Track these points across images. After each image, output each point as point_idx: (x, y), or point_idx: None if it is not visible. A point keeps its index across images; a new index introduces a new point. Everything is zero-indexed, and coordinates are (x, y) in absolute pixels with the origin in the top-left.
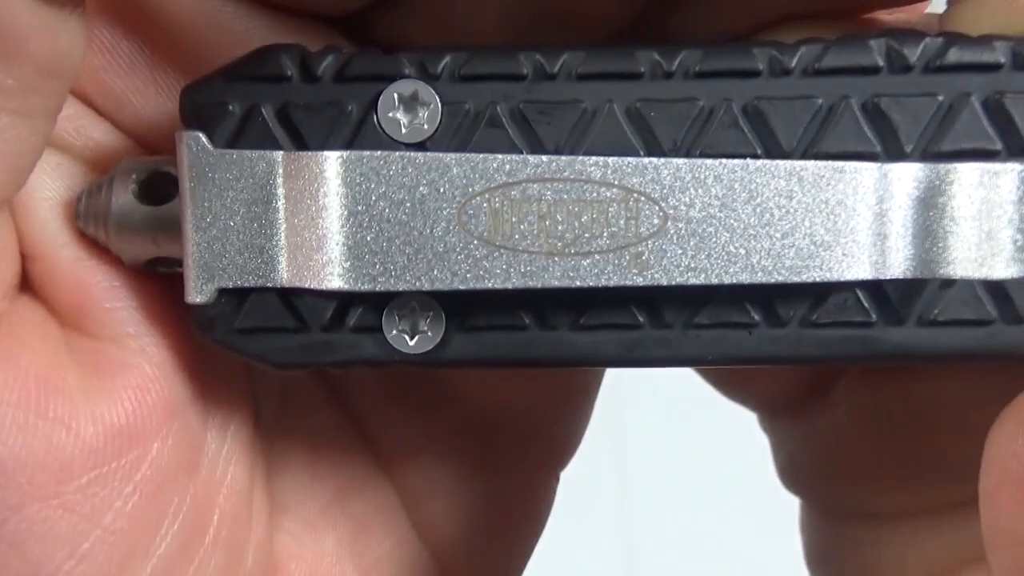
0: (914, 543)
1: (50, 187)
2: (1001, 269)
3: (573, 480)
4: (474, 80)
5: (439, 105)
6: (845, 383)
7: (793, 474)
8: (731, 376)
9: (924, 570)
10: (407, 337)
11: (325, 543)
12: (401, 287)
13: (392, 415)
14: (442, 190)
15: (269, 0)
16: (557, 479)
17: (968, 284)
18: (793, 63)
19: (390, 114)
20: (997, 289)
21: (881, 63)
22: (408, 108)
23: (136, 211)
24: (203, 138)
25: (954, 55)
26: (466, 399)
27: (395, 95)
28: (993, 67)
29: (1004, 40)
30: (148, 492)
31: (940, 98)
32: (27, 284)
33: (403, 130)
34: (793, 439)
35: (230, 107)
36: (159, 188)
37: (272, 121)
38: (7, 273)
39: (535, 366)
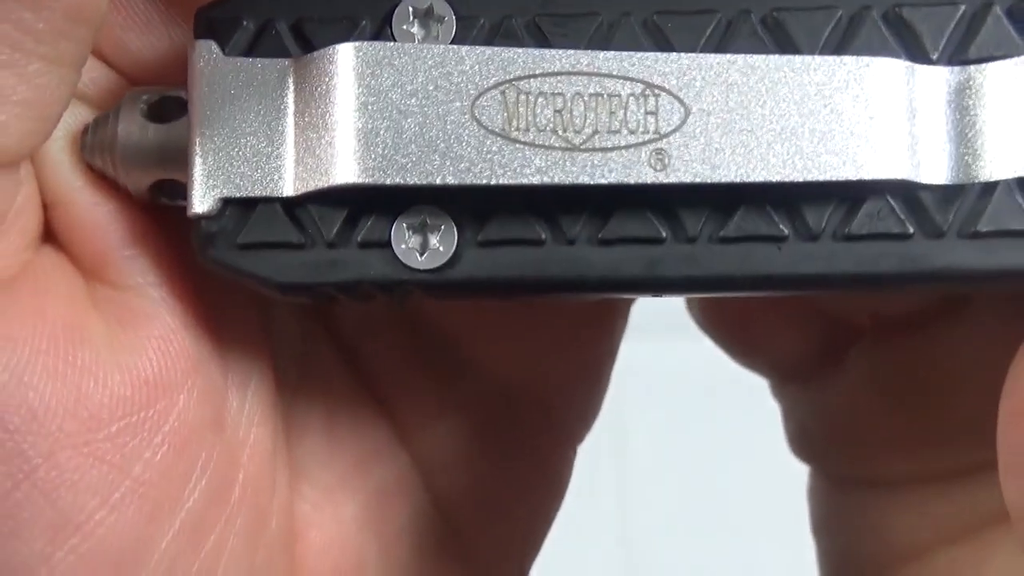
0: (924, 509)
1: (62, 131)
2: None
3: (572, 481)
4: None
5: (453, 19)
6: (856, 349)
7: (803, 441)
8: (743, 340)
9: (933, 536)
10: (417, 252)
11: (345, 512)
12: (411, 180)
13: (410, 384)
14: (456, 82)
15: None
16: (575, 453)
17: (1009, 192)
18: None
19: (404, 27)
20: None
21: None
22: (422, 22)
23: (144, 130)
24: (215, 46)
25: None
26: (484, 370)
27: (410, 8)
28: None
29: None
30: (176, 444)
31: (963, 7)
32: (49, 234)
33: (417, 42)
34: (804, 405)
35: (244, 22)
36: (168, 110)
37: (286, 34)
38: (32, 222)
39: (552, 290)
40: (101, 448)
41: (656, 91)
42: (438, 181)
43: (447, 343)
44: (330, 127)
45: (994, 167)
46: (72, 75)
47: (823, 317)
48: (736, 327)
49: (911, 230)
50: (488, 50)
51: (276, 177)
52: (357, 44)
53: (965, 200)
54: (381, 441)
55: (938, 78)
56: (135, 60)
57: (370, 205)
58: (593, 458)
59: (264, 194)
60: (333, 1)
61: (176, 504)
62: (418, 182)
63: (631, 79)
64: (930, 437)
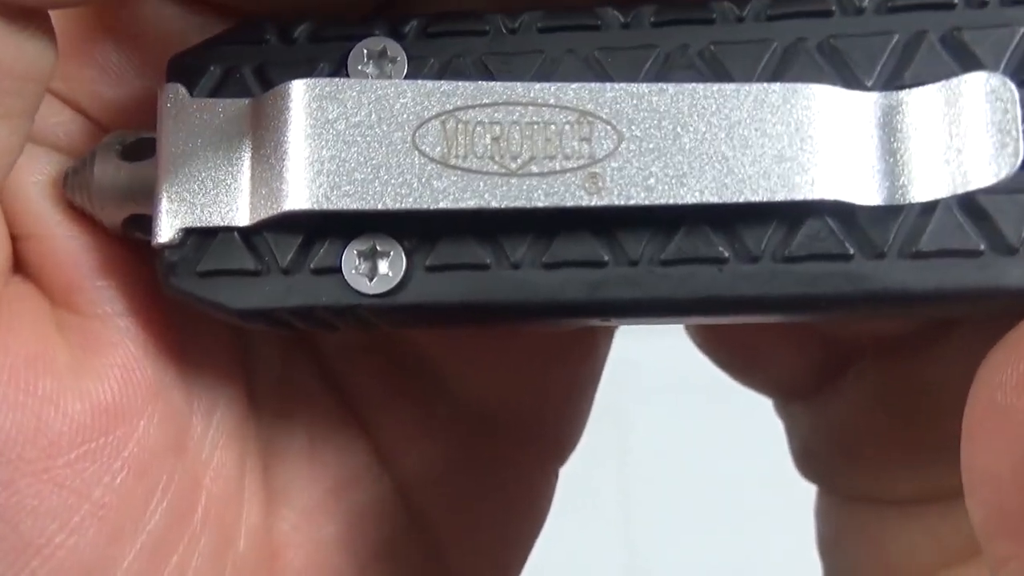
0: (928, 528)
1: (42, 172)
2: (975, 180)
3: (574, 480)
4: (439, 37)
5: (405, 59)
6: (855, 368)
7: (807, 459)
8: (743, 360)
9: (935, 555)
10: (366, 278)
11: (324, 532)
12: (355, 206)
13: (391, 407)
14: (398, 113)
15: (246, 9)
16: (556, 474)
17: (949, 211)
18: (747, 10)
19: (359, 67)
20: (979, 213)
21: (834, 7)
22: (376, 63)
23: (118, 169)
24: (181, 88)
25: None
26: (465, 393)
27: (364, 51)
28: (947, 6)
29: None
30: (136, 468)
31: (896, 36)
32: (19, 264)
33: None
34: (806, 424)
35: (211, 68)
36: (141, 150)
37: (249, 77)
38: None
39: (498, 313)
40: (61, 474)
41: (590, 119)
42: (381, 207)
43: (428, 367)
44: (281, 158)
45: (931, 187)
46: (24, 124)
47: (822, 337)
48: (735, 347)
49: (851, 251)
50: (428, 83)
51: (234, 207)
52: (307, 80)
53: (905, 220)
54: (362, 463)
55: (869, 102)
56: (110, 108)
57: (323, 232)
58: (594, 458)
59: (223, 224)
60: (293, 46)
61: (137, 525)
62: (362, 208)
63: (566, 108)
64: (930, 456)
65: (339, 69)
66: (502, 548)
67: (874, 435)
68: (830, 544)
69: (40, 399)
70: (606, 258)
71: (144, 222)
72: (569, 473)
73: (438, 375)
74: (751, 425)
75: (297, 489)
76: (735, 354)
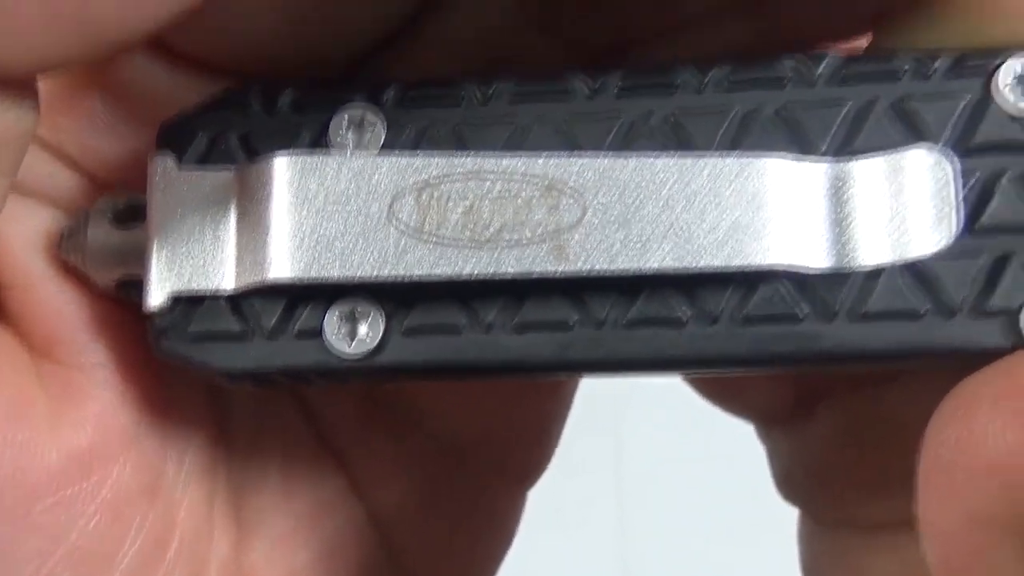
0: (898, 555)
1: (30, 226)
2: (916, 249)
3: (574, 481)
4: (416, 106)
5: (384, 127)
6: (827, 400)
7: (788, 484)
8: (723, 388)
9: None
10: (346, 341)
11: (296, 560)
12: (335, 275)
13: (365, 438)
14: (374, 186)
15: (232, 69)
16: (525, 497)
17: (894, 274)
18: (707, 80)
19: (339, 135)
20: (922, 277)
21: (788, 77)
22: (356, 130)
23: (110, 234)
24: (170, 159)
25: (856, 68)
26: (438, 425)
27: (345, 119)
28: (895, 76)
29: (905, 54)
30: (111, 512)
31: (847, 105)
32: (1, 313)
33: (350, 149)
34: (786, 449)
35: (199, 135)
36: (133, 214)
37: (234, 145)
38: None
39: (471, 372)
40: (37, 520)
41: (556, 190)
42: (358, 276)
43: (402, 399)
44: (265, 228)
45: (876, 254)
46: (2, 182)
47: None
48: (716, 377)
49: (803, 313)
50: (403, 158)
51: (220, 274)
52: (288, 155)
53: (853, 284)
54: (336, 492)
55: (819, 172)
56: (102, 162)
57: (305, 297)
58: (593, 460)
59: (210, 290)
60: (277, 115)
61: (111, 564)
62: (341, 277)
63: (533, 180)
64: (900, 485)
65: (321, 137)
66: (471, 570)
67: (846, 464)
68: (810, 568)
69: (19, 447)
70: (573, 320)
71: (136, 284)
72: (565, 481)
73: (412, 409)
74: (747, 434)
75: (270, 518)
76: (715, 383)
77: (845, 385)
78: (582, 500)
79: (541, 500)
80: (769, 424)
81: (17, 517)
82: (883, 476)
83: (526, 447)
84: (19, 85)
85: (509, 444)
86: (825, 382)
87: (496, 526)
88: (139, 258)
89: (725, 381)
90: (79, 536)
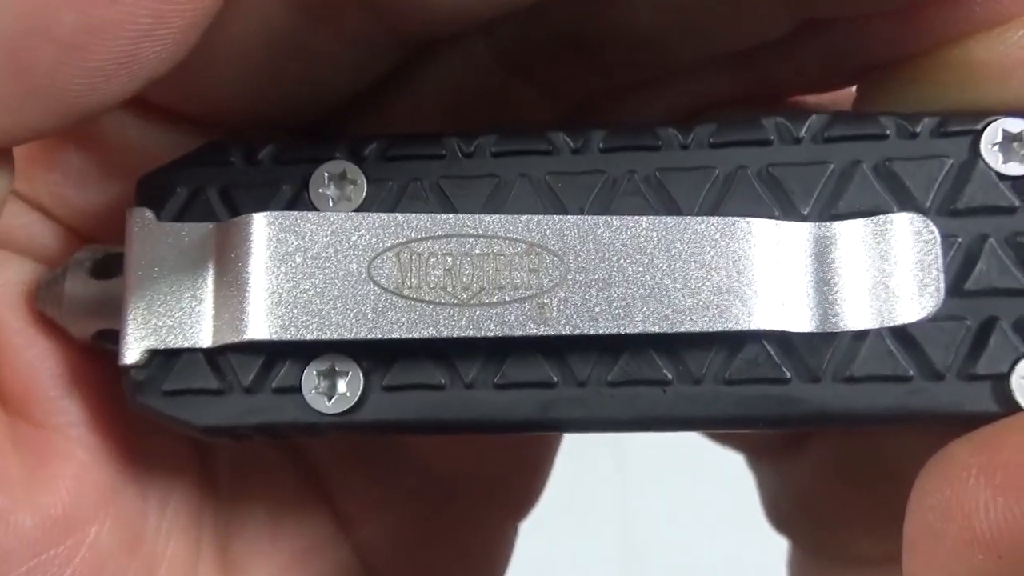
0: None
1: (3, 277)
2: (901, 315)
3: (574, 481)
4: (397, 160)
5: (365, 182)
6: (818, 436)
7: (777, 515)
8: None
9: None
10: (325, 398)
11: None
12: (314, 335)
13: (353, 478)
14: (354, 245)
15: (208, 121)
16: (516, 530)
17: (879, 338)
18: (691, 138)
19: (320, 190)
20: (908, 340)
21: (772, 137)
22: (337, 185)
23: (88, 286)
24: (148, 212)
25: (840, 128)
26: (424, 461)
27: (325, 174)
28: (880, 137)
29: (890, 115)
30: (89, 572)
31: (832, 165)
32: None
33: (331, 203)
34: (775, 481)
35: (178, 189)
36: (111, 267)
37: (215, 200)
38: None
39: (453, 429)
40: None
41: (538, 250)
42: (337, 336)
43: (388, 439)
44: (243, 286)
45: (861, 317)
46: None
47: None
48: None
49: (788, 375)
50: (383, 216)
51: (198, 330)
52: (267, 214)
53: (838, 347)
54: (323, 533)
55: (803, 234)
56: (78, 213)
57: (283, 353)
58: (593, 461)
59: (187, 345)
60: (257, 169)
61: None
62: (319, 337)
63: (515, 240)
64: (884, 519)
65: (301, 191)
66: None
67: (835, 499)
68: None
69: None
70: (555, 379)
71: (113, 335)
72: (569, 477)
73: (398, 445)
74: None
75: (257, 562)
76: None
77: None
78: (585, 488)
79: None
80: (759, 458)
81: None
82: (872, 512)
83: (517, 481)
84: None
85: (499, 478)
86: None
87: (488, 560)
88: (117, 311)
89: None
90: None
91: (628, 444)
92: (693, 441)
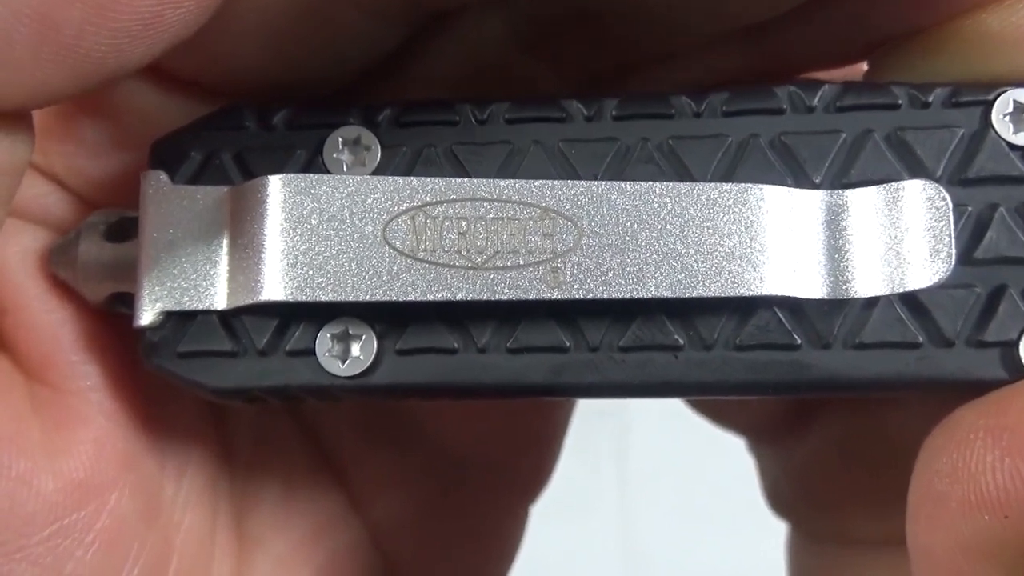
0: (886, 570)
1: (21, 246)
2: (912, 282)
3: (574, 480)
4: (411, 126)
5: (379, 147)
6: (823, 414)
7: (777, 498)
8: (715, 403)
9: None
10: (339, 361)
11: None
12: (328, 297)
13: (365, 454)
14: (369, 208)
15: (223, 91)
16: (527, 512)
17: (889, 304)
18: (704, 106)
19: (334, 155)
20: (918, 308)
21: (785, 105)
22: (351, 150)
23: (102, 249)
24: (163, 175)
25: (853, 98)
26: (437, 439)
27: (339, 139)
28: (892, 107)
29: (902, 85)
30: (108, 540)
31: (844, 134)
32: None
33: (345, 168)
34: (777, 464)
35: (192, 153)
36: (125, 230)
37: (228, 164)
38: None
39: (465, 393)
40: (34, 553)
41: (552, 215)
42: (352, 298)
43: (402, 416)
44: (258, 248)
45: (872, 284)
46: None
47: None
48: None
49: (798, 341)
50: (399, 180)
51: (212, 292)
52: (282, 176)
53: (849, 313)
54: (336, 509)
55: (815, 201)
56: (90, 182)
57: (297, 316)
58: (594, 460)
59: (202, 307)
60: (272, 133)
61: None
62: (334, 299)
63: (529, 204)
64: (890, 502)
65: (315, 156)
66: None
67: (837, 481)
68: None
69: (14, 481)
70: (568, 344)
71: (127, 299)
72: (569, 476)
73: (412, 422)
74: None
75: (271, 537)
76: (707, 400)
77: (837, 403)
78: (585, 488)
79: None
80: (761, 440)
81: (13, 549)
82: (875, 493)
83: (528, 461)
84: (14, 118)
85: (510, 459)
86: (817, 401)
87: (499, 543)
88: (131, 274)
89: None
90: (76, 566)
91: (628, 444)
92: (693, 441)
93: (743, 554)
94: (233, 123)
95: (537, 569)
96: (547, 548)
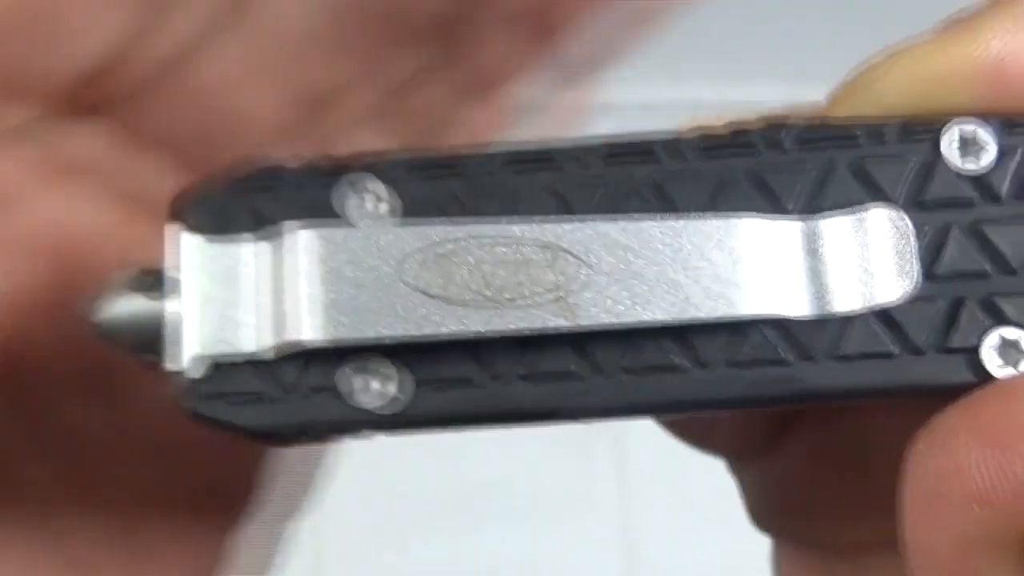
0: (878, 571)
1: None
2: (883, 298)
3: (574, 480)
4: (419, 171)
5: (388, 196)
6: (796, 427)
7: (760, 514)
8: (692, 427)
9: None
10: (363, 395)
11: None
12: (350, 336)
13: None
14: (383, 250)
15: None
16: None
17: (865, 320)
18: (682, 148)
19: (344, 201)
20: (890, 321)
21: (758, 144)
22: (359, 199)
23: (130, 300)
24: (186, 229)
25: (817, 134)
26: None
27: (348, 187)
28: (853, 140)
29: (858, 121)
30: None
31: (810, 168)
32: None
33: (355, 215)
34: (760, 481)
35: (212, 204)
36: (150, 283)
37: (248, 214)
38: None
39: (485, 422)
40: None
41: (557, 251)
42: (373, 336)
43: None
44: (280, 293)
45: (848, 301)
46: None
47: None
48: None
49: (787, 356)
50: (410, 223)
51: (239, 335)
52: (301, 222)
53: (831, 330)
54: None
55: (792, 228)
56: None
57: (322, 356)
58: (594, 460)
59: (229, 351)
60: (284, 182)
61: None
62: (357, 338)
63: (535, 242)
64: (871, 506)
65: (326, 203)
66: None
67: (818, 488)
68: None
69: None
70: (578, 370)
71: (156, 347)
72: (569, 476)
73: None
74: None
75: None
76: (685, 424)
77: (813, 413)
78: (585, 488)
79: (545, 486)
80: (739, 459)
81: None
82: (855, 498)
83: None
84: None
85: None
86: (792, 411)
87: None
88: (157, 324)
89: (695, 422)
90: None
91: (628, 444)
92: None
93: (743, 554)
94: (247, 175)
95: (537, 569)
96: (547, 548)
